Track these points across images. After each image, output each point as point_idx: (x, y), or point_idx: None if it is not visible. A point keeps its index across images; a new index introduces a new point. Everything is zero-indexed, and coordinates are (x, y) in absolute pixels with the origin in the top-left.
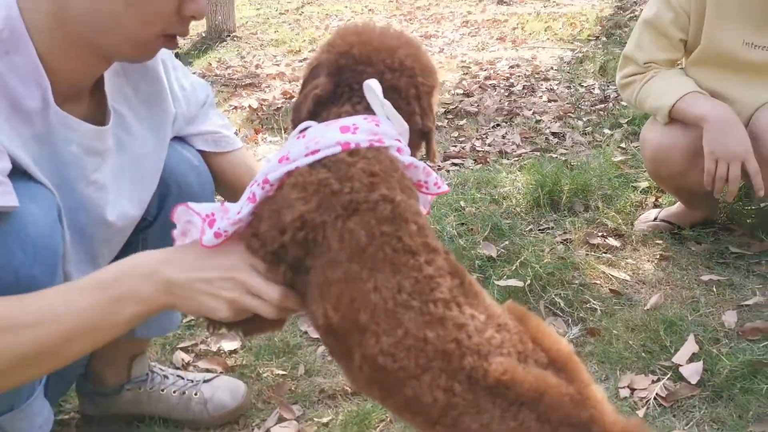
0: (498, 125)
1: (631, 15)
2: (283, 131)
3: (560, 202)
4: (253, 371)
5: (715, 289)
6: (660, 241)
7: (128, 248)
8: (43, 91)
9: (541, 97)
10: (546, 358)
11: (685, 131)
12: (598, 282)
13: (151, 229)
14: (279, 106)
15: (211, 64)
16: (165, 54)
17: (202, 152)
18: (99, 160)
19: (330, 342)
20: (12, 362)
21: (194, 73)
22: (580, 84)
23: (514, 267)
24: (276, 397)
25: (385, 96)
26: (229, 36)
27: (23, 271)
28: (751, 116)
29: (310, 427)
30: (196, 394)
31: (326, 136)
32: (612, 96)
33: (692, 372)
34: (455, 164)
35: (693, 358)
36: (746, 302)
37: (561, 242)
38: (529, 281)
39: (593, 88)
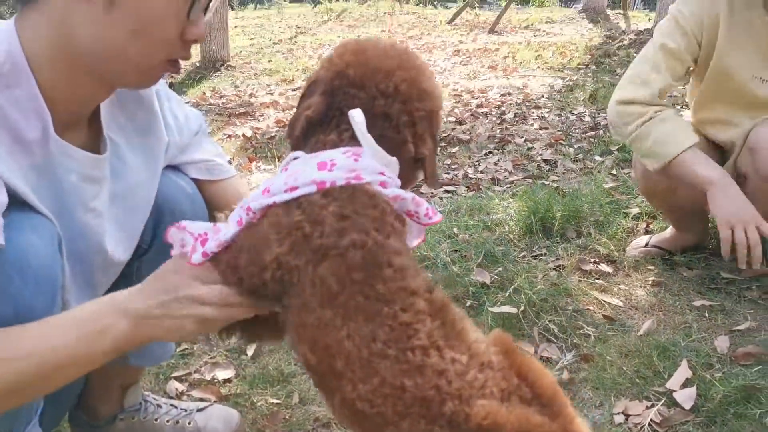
0: (490, 152)
1: (620, 44)
2: (276, 159)
3: (552, 228)
4: (248, 400)
5: (707, 315)
6: (652, 267)
7: (124, 276)
8: (43, 122)
9: (532, 124)
10: (530, 393)
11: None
12: (591, 308)
13: (146, 257)
14: (273, 134)
15: (205, 94)
16: (159, 84)
17: (195, 180)
18: (97, 187)
19: (312, 378)
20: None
21: (188, 102)
22: (570, 112)
23: (507, 293)
24: (270, 425)
25: (376, 124)
26: (223, 65)
27: (23, 301)
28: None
29: None
30: (189, 423)
31: (304, 173)
32: (602, 123)
33: (686, 397)
34: (448, 191)
35: (686, 384)
36: (738, 327)
37: (554, 268)
38: (522, 307)
39: (584, 116)
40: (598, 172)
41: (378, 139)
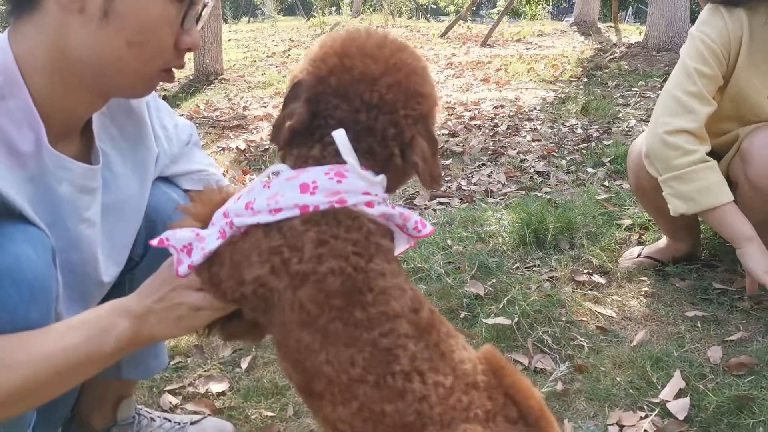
0: (483, 164)
1: (611, 57)
2: None
3: (546, 240)
4: (242, 413)
5: (699, 325)
6: (645, 278)
7: (116, 288)
8: (37, 134)
9: (525, 136)
10: (517, 412)
11: None
12: (584, 319)
13: (138, 269)
14: (267, 147)
15: (198, 107)
16: (149, 95)
17: (188, 191)
18: (91, 198)
19: (297, 392)
20: (4, 398)
21: (182, 115)
22: (562, 124)
23: (501, 305)
24: None
25: (361, 138)
26: (217, 78)
27: (19, 313)
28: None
29: None
30: None
31: (286, 195)
32: (594, 135)
33: (680, 408)
34: (441, 203)
35: (680, 394)
36: (731, 337)
37: (547, 280)
38: (516, 319)
39: (576, 128)
40: (591, 183)
41: (364, 154)
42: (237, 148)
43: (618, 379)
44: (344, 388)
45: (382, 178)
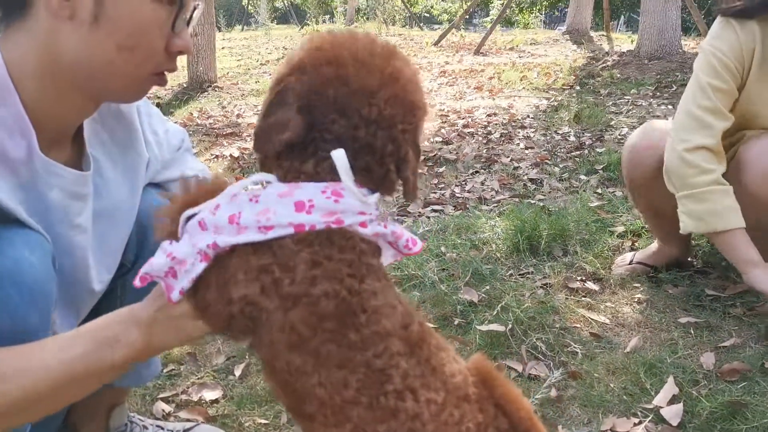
0: (477, 172)
1: (603, 65)
2: None
3: (539, 247)
4: (235, 421)
5: (692, 331)
6: (638, 285)
7: (108, 294)
8: (28, 140)
9: (518, 144)
10: (507, 423)
11: (663, 130)
12: (578, 325)
13: (130, 275)
14: None
15: (192, 114)
16: (140, 101)
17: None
18: (82, 204)
19: (286, 410)
20: (7, 409)
21: (175, 122)
22: (555, 131)
23: (495, 312)
24: None
25: (358, 156)
26: (210, 86)
27: (19, 315)
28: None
29: None
30: None
31: (279, 213)
32: (587, 143)
33: (673, 414)
34: (435, 210)
35: (673, 400)
36: (723, 344)
37: (541, 287)
38: (510, 326)
39: (569, 136)
40: (584, 191)
41: (361, 172)
42: (230, 155)
43: (612, 385)
44: (337, 410)
45: (377, 197)
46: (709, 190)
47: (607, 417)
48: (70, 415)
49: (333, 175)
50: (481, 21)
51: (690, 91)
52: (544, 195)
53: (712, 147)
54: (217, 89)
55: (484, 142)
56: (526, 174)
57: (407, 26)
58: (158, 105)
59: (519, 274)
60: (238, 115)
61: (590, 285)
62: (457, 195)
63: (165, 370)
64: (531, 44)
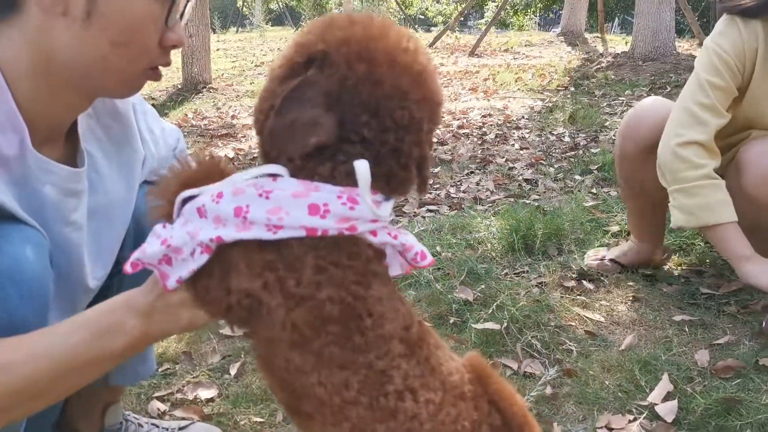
0: (472, 172)
1: (598, 66)
2: None
3: (534, 246)
4: (231, 419)
5: (687, 329)
6: (632, 284)
7: (104, 291)
8: (21, 137)
9: (513, 145)
10: (501, 420)
11: (660, 106)
12: (573, 324)
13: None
14: (255, 155)
15: (187, 115)
16: (136, 99)
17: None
18: (76, 201)
19: (281, 406)
20: (7, 399)
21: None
22: (550, 132)
23: (490, 310)
24: None
25: (382, 162)
26: (205, 87)
27: (16, 313)
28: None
29: None
30: None
31: (292, 214)
32: (581, 144)
33: (668, 411)
34: (431, 210)
35: (668, 397)
36: (718, 341)
37: (536, 285)
38: (505, 324)
39: (563, 136)
40: (579, 191)
41: (381, 177)
42: (226, 156)
43: (607, 382)
44: (336, 410)
45: (391, 206)
46: (700, 185)
47: (603, 414)
48: (65, 414)
49: (349, 180)
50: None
51: (688, 88)
52: (539, 195)
53: (705, 143)
54: (211, 90)
55: (479, 142)
56: (521, 174)
57: None
58: (152, 106)
59: (514, 273)
60: (233, 116)
61: (585, 284)
62: (453, 195)
63: (160, 370)
64: (526, 46)
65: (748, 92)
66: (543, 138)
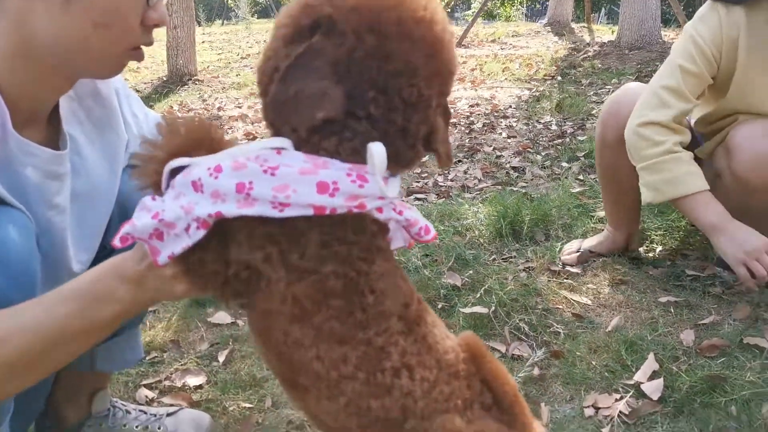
0: (460, 161)
1: (584, 56)
2: None
3: (522, 232)
4: (219, 405)
5: (672, 310)
6: (619, 267)
7: None
8: (1, 120)
9: (500, 133)
10: (492, 399)
11: (641, 93)
12: (560, 307)
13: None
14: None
15: (172, 107)
16: (119, 83)
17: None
18: (59, 184)
19: (277, 379)
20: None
21: None
22: (537, 121)
23: (478, 295)
24: (243, 430)
25: (390, 142)
26: (191, 80)
27: (3, 296)
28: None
29: None
30: (159, 428)
31: (300, 192)
32: (568, 132)
33: (654, 389)
34: (419, 199)
35: (654, 376)
36: (703, 321)
37: (524, 270)
38: (493, 308)
39: (550, 125)
40: (566, 177)
41: (388, 156)
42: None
43: (593, 363)
44: (333, 384)
45: (398, 183)
46: (662, 160)
47: (589, 393)
48: (52, 400)
49: (356, 157)
50: (462, 14)
51: (661, 71)
52: (527, 182)
53: (666, 123)
54: (197, 83)
55: (467, 132)
56: (509, 162)
57: None
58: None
59: (502, 259)
60: (219, 108)
61: (572, 268)
62: (440, 184)
63: (148, 358)
64: (513, 36)
65: (733, 84)
66: (530, 126)
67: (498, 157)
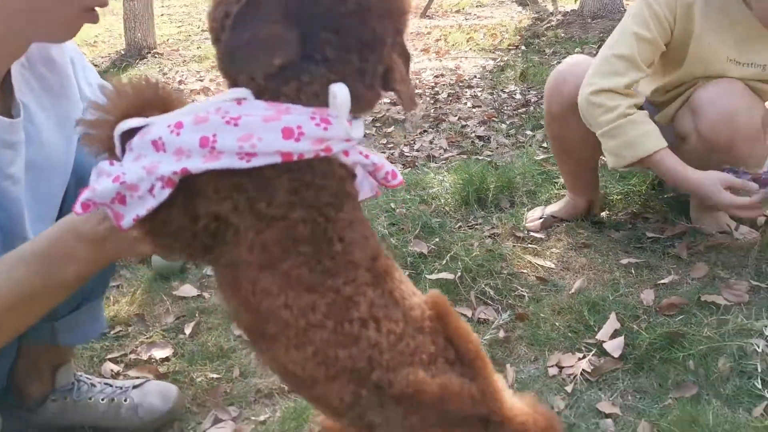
0: (425, 131)
1: (548, 25)
2: None
3: (487, 199)
4: (187, 376)
5: (633, 271)
6: (581, 231)
7: None
8: None
9: (465, 103)
10: (455, 355)
11: (584, 64)
12: (525, 271)
13: None
14: None
15: (131, 82)
16: (75, 53)
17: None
18: (13, 153)
19: (244, 333)
20: None
21: None
22: (502, 90)
23: (444, 261)
24: (211, 399)
25: (349, 83)
26: (150, 53)
27: None
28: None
29: (248, 425)
30: (125, 401)
31: (266, 139)
32: (533, 101)
33: (615, 347)
34: None
35: (615, 335)
36: (662, 281)
37: (489, 236)
38: (459, 274)
39: (515, 94)
40: (530, 145)
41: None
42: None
43: (557, 324)
44: (301, 332)
45: (362, 124)
46: (618, 125)
47: (553, 353)
48: (14, 376)
49: (317, 101)
50: None
51: (614, 36)
52: (492, 151)
53: (618, 89)
54: (157, 56)
55: (432, 102)
56: (474, 131)
57: None
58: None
59: (468, 226)
60: (180, 82)
61: (536, 233)
62: (406, 154)
63: (112, 332)
64: (477, 6)
65: (690, 51)
66: (495, 96)
67: (463, 126)
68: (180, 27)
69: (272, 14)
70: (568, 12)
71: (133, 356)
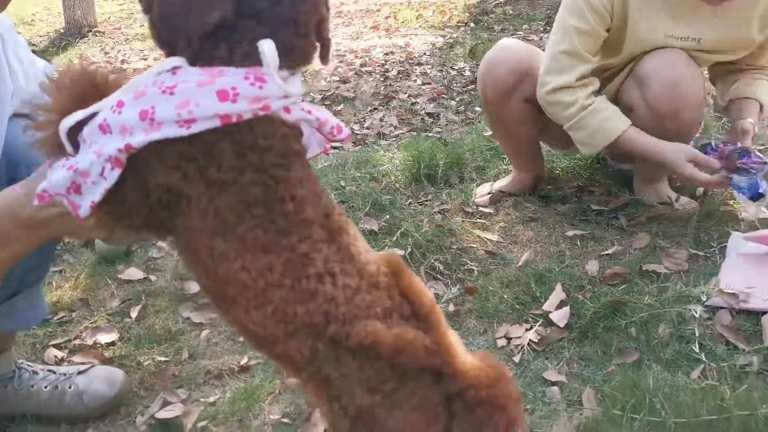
0: (375, 109)
1: (497, 2)
2: None
3: (437, 176)
4: (133, 360)
5: (578, 243)
6: (529, 205)
7: None
8: None
9: (415, 80)
10: (410, 310)
11: (515, 49)
12: (474, 245)
13: None
14: None
15: (72, 61)
16: (4, 28)
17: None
18: None
19: (207, 296)
20: None
21: None
22: (451, 67)
23: (395, 238)
24: (159, 383)
25: (280, 36)
26: (90, 31)
27: None
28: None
29: (197, 407)
30: (70, 387)
31: (202, 104)
32: None
33: (561, 317)
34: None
35: (561, 305)
36: (606, 252)
37: (438, 212)
38: (409, 249)
39: (464, 71)
40: (479, 122)
41: (281, 50)
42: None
43: (505, 296)
44: (260, 293)
45: (299, 79)
46: (580, 117)
47: (501, 325)
48: None
49: (249, 61)
50: None
51: (554, 34)
52: (441, 128)
53: (571, 84)
54: (98, 34)
55: (382, 79)
56: (424, 108)
57: None
58: (33, 53)
59: (418, 203)
60: (122, 61)
61: (485, 208)
62: (356, 132)
63: (55, 318)
64: None
65: (628, 29)
66: (444, 73)
67: (413, 103)
68: (122, 5)
69: None
70: None
71: (77, 342)
